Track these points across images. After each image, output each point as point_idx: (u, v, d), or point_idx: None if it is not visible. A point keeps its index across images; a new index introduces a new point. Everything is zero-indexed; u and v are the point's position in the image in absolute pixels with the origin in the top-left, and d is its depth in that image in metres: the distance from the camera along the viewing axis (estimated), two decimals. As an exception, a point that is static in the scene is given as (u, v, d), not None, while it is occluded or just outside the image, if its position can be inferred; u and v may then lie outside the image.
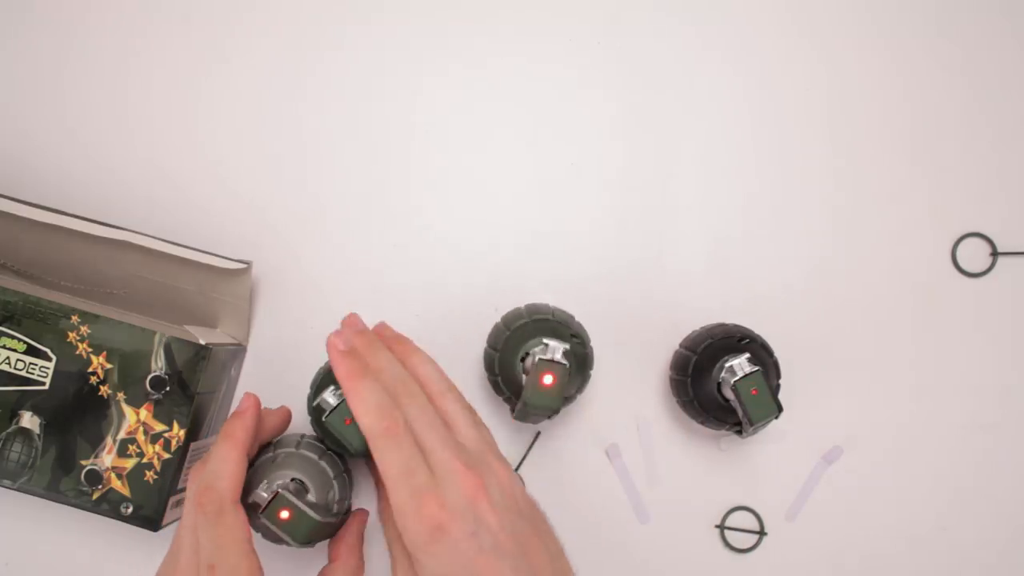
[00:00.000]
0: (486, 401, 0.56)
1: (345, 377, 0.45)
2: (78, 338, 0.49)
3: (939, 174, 0.57)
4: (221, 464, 0.46)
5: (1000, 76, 0.57)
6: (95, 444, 0.49)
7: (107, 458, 0.49)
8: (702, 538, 0.55)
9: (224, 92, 0.58)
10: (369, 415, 0.44)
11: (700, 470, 0.56)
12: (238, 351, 0.56)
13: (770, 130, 0.58)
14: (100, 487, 0.49)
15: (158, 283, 0.54)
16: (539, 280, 0.57)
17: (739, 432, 0.51)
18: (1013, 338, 0.56)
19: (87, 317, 0.49)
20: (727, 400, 0.50)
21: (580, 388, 0.52)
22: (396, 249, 0.57)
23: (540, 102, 0.58)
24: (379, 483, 0.53)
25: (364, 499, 0.56)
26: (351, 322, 0.50)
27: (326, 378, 0.50)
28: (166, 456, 0.49)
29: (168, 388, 0.49)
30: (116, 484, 0.49)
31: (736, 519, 0.56)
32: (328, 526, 0.48)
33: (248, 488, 0.47)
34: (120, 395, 0.49)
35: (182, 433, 0.49)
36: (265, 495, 0.47)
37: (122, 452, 0.49)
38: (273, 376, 0.56)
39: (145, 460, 0.49)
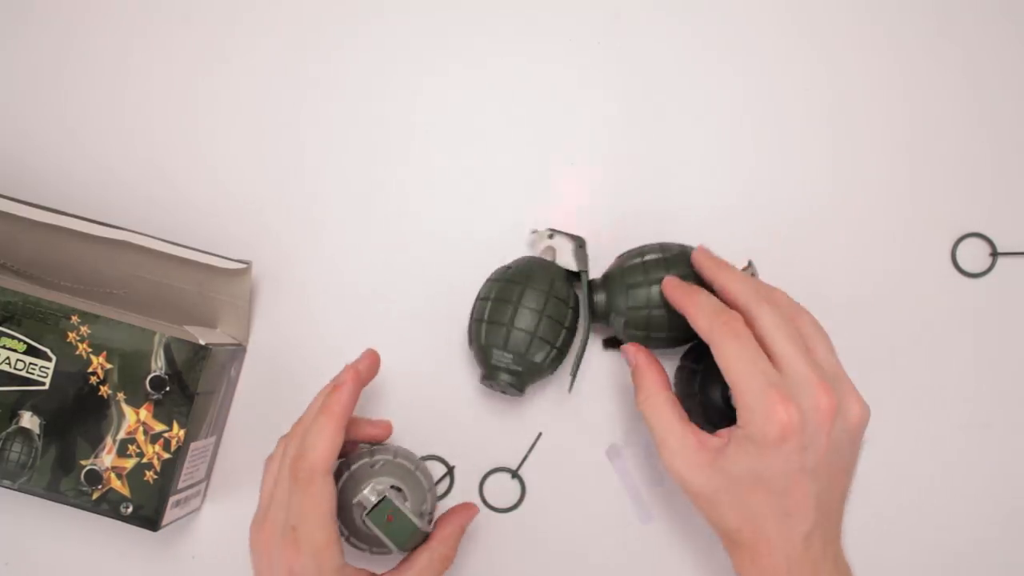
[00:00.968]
0: (486, 396, 0.56)
1: (681, 295, 0.47)
2: (78, 338, 0.49)
3: (939, 174, 0.57)
4: (318, 436, 0.47)
5: (1000, 76, 0.57)
6: (95, 444, 0.49)
7: (107, 458, 0.49)
8: (704, 538, 0.55)
9: (224, 92, 0.58)
10: (704, 316, 0.45)
11: (700, 470, 0.56)
12: (238, 351, 0.56)
13: (770, 130, 0.57)
14: (100, 487, 0.49)
15: (158, 283, 0.54)
16: (539, 280, 0.57)
17: None
18: (1013, 338, 0.56)
19: (87, 317, 0.49)
20: (731, 406, 0.50)
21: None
22: (396, 249, 0.57)
23: (540, 102, 0.58)
24: None
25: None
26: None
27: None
28: (166, 456, 0.49)
29: (168, 388, 0.49)
30: (116, 484, 0.49)
31: (736, 519, 0.56)
32: (422, 534, 0.49)
33: (349, 491, 0.49)
34: (120, 395, 0.49)
35: (182, 433, 0.49)
36: (373, 498, 0.48)
37: (122, 452, 0.49)
38: (273, 376, 0.56)
39: (145, 460, 0.49)
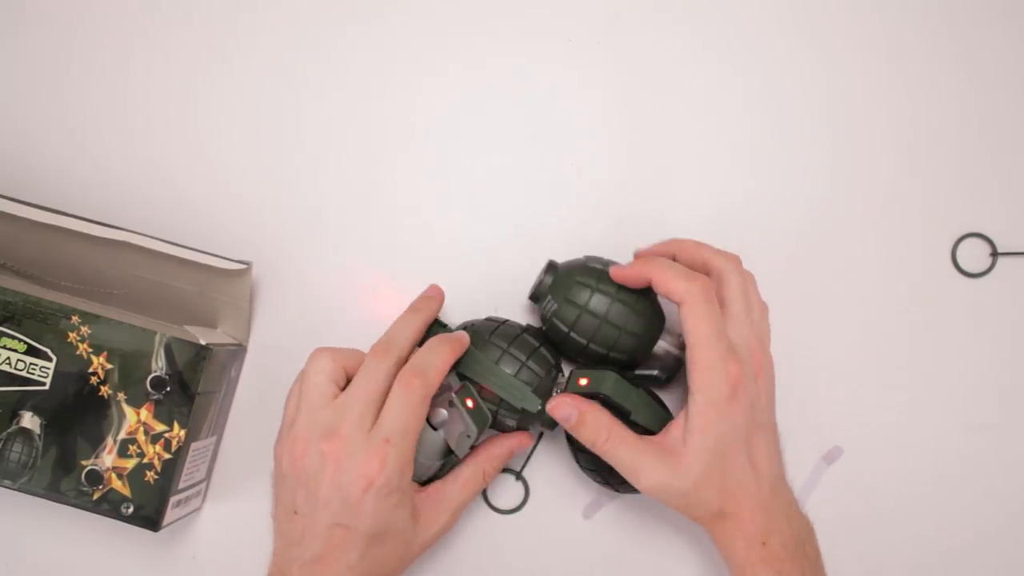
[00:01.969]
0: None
1: (641, 264, 0.49)
2: (78, 338, 0.49)
3: (939, 174, 0.57)
4: (436, 357, 0.49)
5: (1000, 76, 0.57)
6: (95, 444, 0.49)
7: (107, 458, 0.49)
8: (705, 539, 0.55)
9: (224, 92, 0.58)
10: (679, 279, 0.48)
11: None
12: (238, 351, 0.56)
13: (770, 130, 0.58)
14: (100, 487, 0.49)
15: (158, 283, 0.54)
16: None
17: None
18: (1013, 338, 0.56)
19: (87, 317, 0.49)
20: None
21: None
22: (395, 249, 0.57)
23: (540, 102, 0.58)
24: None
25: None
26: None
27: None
28: (166, 456, 0.49)
29: (168, 388, 0.49)
30: (116, 484, 0.49)
31: (736, 519, 0.56)
32: (486, 431, 0.51)
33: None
34: (120, 395, 0.49)
35: (182, 433, 0.49)
36: (454, 384, 0.51)
37: (122, 452, 0.49)
38: (273, 376, 0.56)
39: (145, 460, 0.49)
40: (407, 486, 0.48)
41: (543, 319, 0.52)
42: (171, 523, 0.51)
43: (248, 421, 0.56)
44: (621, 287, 0.50)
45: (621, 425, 0.49)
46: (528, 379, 0.50)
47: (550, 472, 0.56)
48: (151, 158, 0.58)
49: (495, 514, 0.56)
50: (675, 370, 0.53)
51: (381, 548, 0.47)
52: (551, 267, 0.52)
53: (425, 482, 0.51)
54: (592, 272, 0.51)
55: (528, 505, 0.56)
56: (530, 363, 0.50)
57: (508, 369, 0.50)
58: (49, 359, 0.49)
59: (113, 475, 0.49)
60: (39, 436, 0.49)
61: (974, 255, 0.57)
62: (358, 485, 0.46)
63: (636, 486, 0.48)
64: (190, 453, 0.51)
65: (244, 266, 0.53)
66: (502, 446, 0.53)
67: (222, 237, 0.57)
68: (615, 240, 0.57)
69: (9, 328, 0.49)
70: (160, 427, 0.49)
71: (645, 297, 0.51)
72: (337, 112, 0.58)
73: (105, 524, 0.50)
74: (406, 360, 0.49)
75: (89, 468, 0.49)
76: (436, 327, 0.52)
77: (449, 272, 0.57)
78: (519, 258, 0.57)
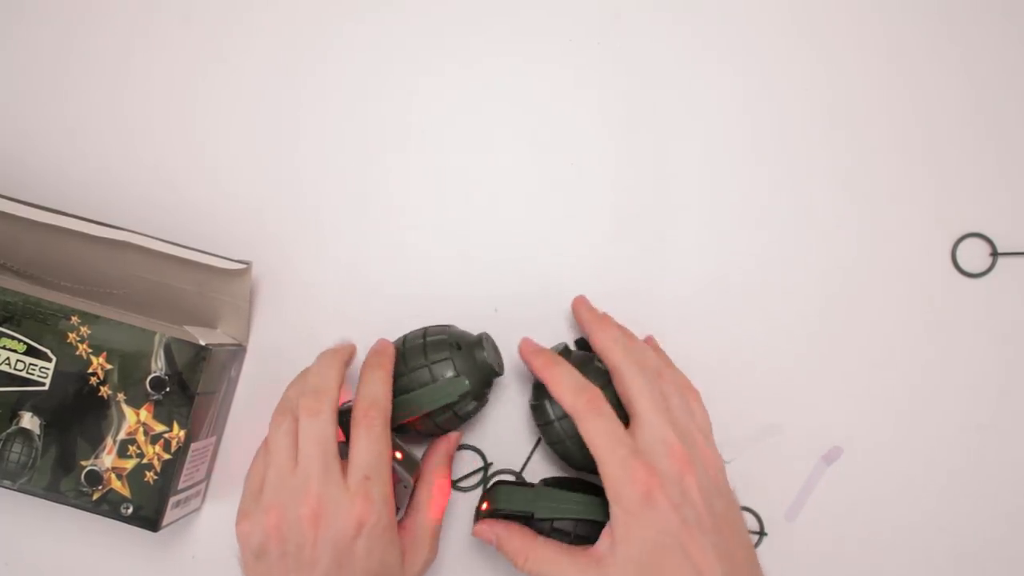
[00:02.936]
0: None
1: (540, 368, 0.49)
2: (78, 339, 0.49)
3: (939, 174, 0.57)
4: (381, 387, 0.48)
5: (1000, 76, 0.57)
6: (95, 445, 0.49)
7: (107, 459, 0.49)
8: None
9: (224, 92, 0.58)
10: (569, 393, 0.47)
11: (700, 470, 0.56)
12: (238, 351, 0.56)
13: (770, 130, 0.57)
14: (100, 487, 0.49)
15: (158, 283, 0.54)
16: (537, 280, 0.57)
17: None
18: (1013, 338, 0.56)
19: (87, 317, 0.49)
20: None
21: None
22: (395, 249, 0.57)
23: (538, 102, 0.58)
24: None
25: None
26: None
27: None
28: (166, 457, 0.49)
29: (168, 389, 0.49)
30: (116, 484, 0.49)
31: (736, 519, 0.56)
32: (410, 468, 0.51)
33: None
34: (120, 396, 0.49)
35: (182, 434, 0.49)
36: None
37: (122, 453, 0.49)
38: (273, 376, 0.56)
39: (145, 461, 0.49)
40: (394, 523, 0.47)
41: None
42: (171, 523, 0.51)
43: (248, 421, 0.56)
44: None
45: (542, 542, 0.48)
46: (442, 375, 0.50)
47: (549, 472, 0.56)
48: (151, 158, 0.58)
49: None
50: None
51: None
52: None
53: None
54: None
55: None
56: (438, 359, 0.50)
57: (424, 376, 0.50)
58: (49, 359, 0.49)
59: (113, 475, 0.49)
60: (39, 436, 0.49)
61: (974, 255, 0.57)
62: (349, 532, 0.45)
63: None
64: (190, 453, 0.51)
65: (244, 266, 0.53)
66: (438, 454, 0.52)
67: (222, 237, 0.57)
68: (615, 239, 0.57)
69: (9, 328, 0.49)
70: (160, 427, 0.49)
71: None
72: (336, 112, 0.58)
73: (105, 524, 0.50)
74: (337, 400, 0.48)
75: (89, 468, 0.49)
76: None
77: (448, 271, 0.57)
78: (518, 257, 0.57)
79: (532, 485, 0.51)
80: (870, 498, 0.56)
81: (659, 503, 0.44)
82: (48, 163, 0.58)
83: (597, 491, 0.49)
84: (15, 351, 0.49)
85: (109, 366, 0.49)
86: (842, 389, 0.56)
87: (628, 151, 0.58)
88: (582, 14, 0.58)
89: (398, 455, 0.50)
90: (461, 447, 0.56)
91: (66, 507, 0.49)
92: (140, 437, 0.49)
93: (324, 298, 0.57)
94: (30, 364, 0.49)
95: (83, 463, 0.49)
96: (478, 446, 0.56)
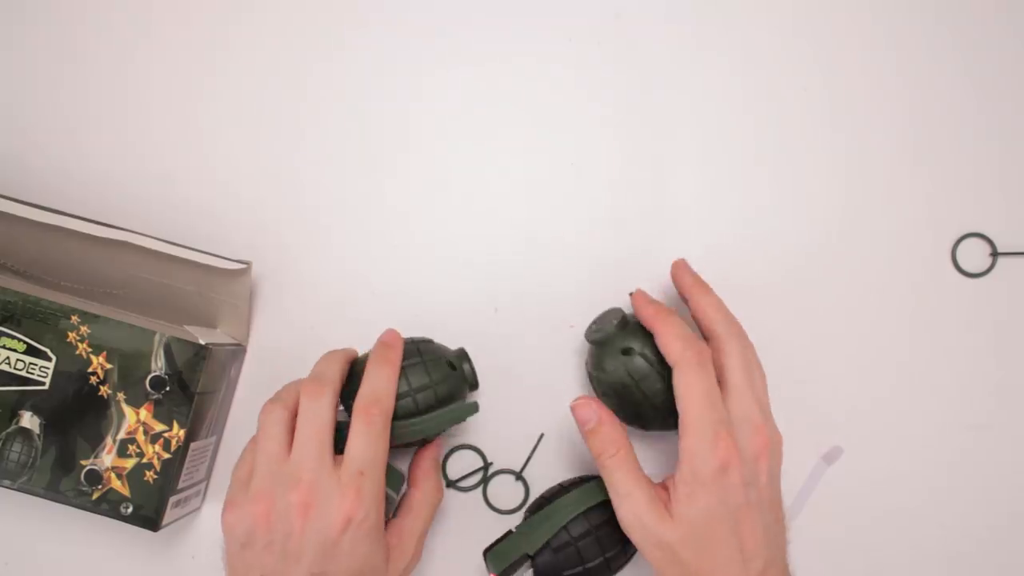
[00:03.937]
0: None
1: (653, 316, 0.49)
2: (78, 338, 0.49)
3: (939, 174, 0.57)
4: (387, 384, 0.48)
5: (1000, 76, 0.57)
6: (95, 444, 0.49)
7: (107, 458, 0.49)
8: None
9: (224, 92, 0.58)
10: (678, 342, 0.47)
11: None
12: (238, 351, 0.56)
13: (770, 129, 0.57)
14: (100, 487, 0.49)
15: (157, 283, 0.54)
16: (538, 280, 0.57)
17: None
18: (1013, 338, 0.56)
19: (87, 317, 0.49)
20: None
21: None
22: (395, 249, 0.57)
23: (538, 102, 0.58)
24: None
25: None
26: None
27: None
28: (166, 456, 0.49)
29: (168, 388, 0.49)
30: (116, 484, 0.49)
31: (736, 519, 0.56)
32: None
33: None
34: (120, 395, 0.49)
35: (182, 433, 0.49)
36: None
37: (122, 452, 0.49)
38: (273, 376, 0.56)
39: (145, 460, 0.49)
40: (382, 522, 0.47)
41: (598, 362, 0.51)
42: (170, 523, 0.51)
43: (248, 421, 0.56)
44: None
45: (631, 448, 0.48)
46: (429, 397, 0.50)
47: (550, 472, 0.56)
48: (151, 158, 0.58)
49: (495, 514, 0.56)
50: None
51: None
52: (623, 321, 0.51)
53: None
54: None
55: (528, 505, 0.56)
56: (440, 379, 0.50)
57: (430, 398, 0.50)
58: (49, 359, 0.49)
59: (112, 475, 0.49)
60: (38, 436, 0.49)
61: (974, 255, 0.57)
62: (336, 526, 0.44)
63: (617, 512, 0.47)
64: (189, 453, 0.51)
65: (244, 266, 0.53)
66: (428, 459, 0.53)
67: (222, 237, 0.57)
68: (615, 239, 0.57)
69: (9, 328, 0.49)
70: (159, 427, 0.49)
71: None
72: (337, 112, 0.58)
73: (104, 524, 0.50)
74: (339, 392, 0.48)
75: (88, 468, 0.49)
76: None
77: (448, 271, 0.57)
78: (518, 257, 0.57)
79: (511, 532, 0.51)
80: (870, 498, 0.56)
81: (732, 478, 0.44)
82: (48, 163, 0.58)
83: (576, 483, 0.50)
84: (15, 351, 0.49)
85: (109, 365, 0.49)
86: (842, 389, 0.56)
87: (628, 151, 0.58)
88: (582, 14, 0.58)
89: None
90: (461, 447, 0.56)
91: (66, 507, 0.49)
92: (140, 436, 0.49)
93: (324, 298, 0.57)
94: (30, 364, 0.49)
95: (83, 463, 0.49)
96: (478, 446, 0.56)
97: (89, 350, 0.49)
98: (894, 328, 0.56)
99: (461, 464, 0.56)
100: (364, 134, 0.58)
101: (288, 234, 0.57)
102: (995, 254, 0.56)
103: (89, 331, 0.49)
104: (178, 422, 0.49)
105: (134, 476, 0.49)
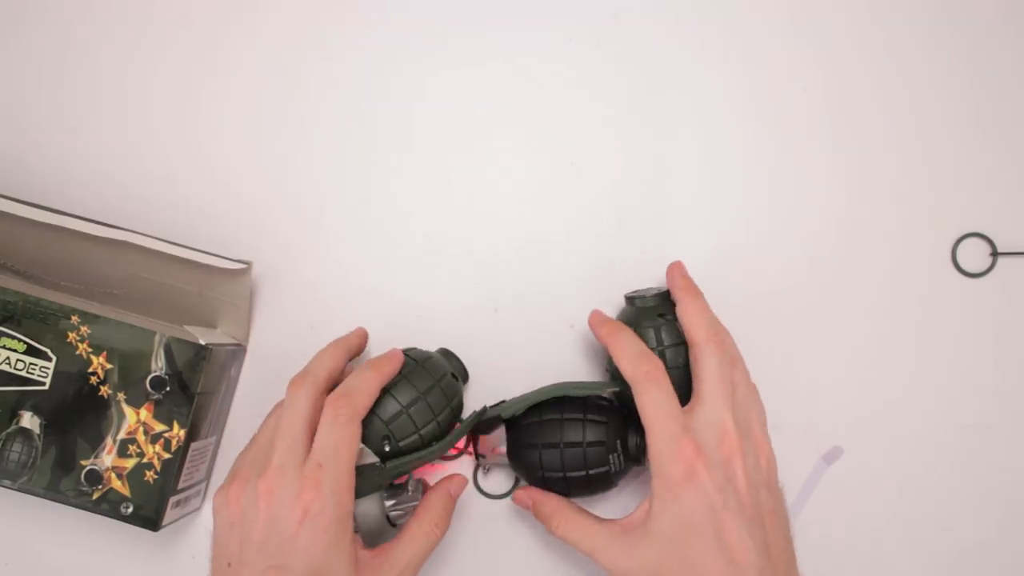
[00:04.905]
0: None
1: (607, 335, 0.49)
2: (78, 338, 0.49)
3: (939, 174, 0.57)
4: (364, 384, 0.48)
5: (1000, 76, 0.57)
6: (95, 444, 0.49)
7: (107, 458, 0.49)
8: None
9: (224, 92, 0.58)
10: (629, 360, 0.47)
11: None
12: (238, 351, 0.56)
13: (770, 130, 0.57)
14: (100, 487, 0.49)
15: (158, 283, 0.54)
16: (538, 280, 0.57)
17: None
18: (1013, 338, 0.56)
19: (87, 317, 0.49)
20: None
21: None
22: (395, 249, 0.57)
23: (540, 102, 0.58)
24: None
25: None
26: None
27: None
28: (166, 456, 0.49)
29: (168, 388, 0.49)
30: (116, 484, 0.49)
31: (736, 519, 0.56)
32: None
33: None
34: (120, 395, 0.49)
35: (182, 433, 0.49)
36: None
37: (122, 452, 0.49)
38: (273, 376, 0.56)
39: (145, 460, 0.49)
40: (346, 522, 0.45)
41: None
42: (171, 523, 0.51)
43: (248, 421, 0.56)
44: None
45: (573, 508, 0.49)
46: (433, 429, 0.50)
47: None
48: (151, 158, 0.58)
49: (487, 500, 0.56)
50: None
51: None
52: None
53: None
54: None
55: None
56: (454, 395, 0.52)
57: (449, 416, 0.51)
58: (49, 359, 0.49)
59: (113, 475, 0.49)
60: (39, 436, 0.49)
61: (974, 255, 0.57)
62: (293, 517, 0.44)
63: (598, 565, 0.47)
64: (190, 453, 0.51)
65: (244, 266, 0.53)
66: (437, 491, 0.51)
67: (222, 237, 0.57)
68: (615, 239, 0.57)
69: (9, 328, 0.49)
70: (160, 427, 0.49)
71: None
72: (337, 112, 0.58)
73: (105, 524, 0.50)
74: (328, 388, 0.49)
75: (89, 468, 0.49)
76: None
77: (448, 272, 0.57)
78: (519, 257, 0.57)
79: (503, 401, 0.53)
80: (870, 498, 0.56)
81: (701, 482, 0.44)
82: (48, 163, 0.58)
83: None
84: (15, 351, 0.49)
85: (109, 365, 0.49)
86: (842, 389, 0.56)
87: (628, 151, 0.58)
88: (582, 14, 0.58)
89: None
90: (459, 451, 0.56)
91: (66, 507, 0.49)
92: (140, 436, 0.49)
93: (324, 298, 0.57)
94: (30, 364, 0.49)
95: (83, 463, 0.49)
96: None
97: (89, 350, 0.49)
98: (894, 328, 0.56)
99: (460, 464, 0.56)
100: (365, 134, 0.58)
101: (288, 234, 0.57)
102: (995, 254, 0.56)
103: (89, 331, 0.49)
104: (178, 422, 0.49)
105: (134, 476, 0.49)
